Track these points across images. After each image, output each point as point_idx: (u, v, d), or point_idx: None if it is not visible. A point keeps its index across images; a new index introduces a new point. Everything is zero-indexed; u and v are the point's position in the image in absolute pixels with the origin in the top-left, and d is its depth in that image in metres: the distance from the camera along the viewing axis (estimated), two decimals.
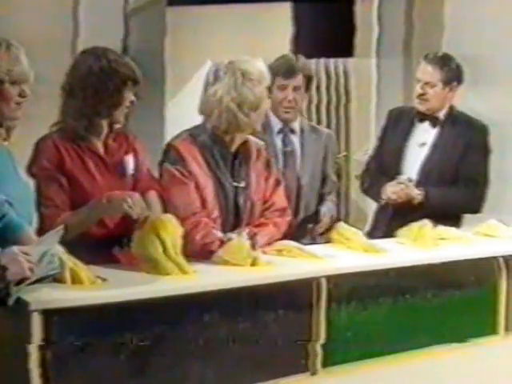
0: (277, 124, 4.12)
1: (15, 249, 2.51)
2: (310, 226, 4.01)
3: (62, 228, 2.66)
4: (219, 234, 3.31)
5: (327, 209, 4.09)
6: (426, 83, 4.31)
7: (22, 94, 2.77)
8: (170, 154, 3.42)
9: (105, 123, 3.27)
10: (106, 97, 3.20)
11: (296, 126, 4.17)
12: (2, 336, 2.54)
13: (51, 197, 3.12)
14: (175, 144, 3.44)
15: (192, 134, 3.47)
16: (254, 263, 3.11)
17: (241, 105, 3.38)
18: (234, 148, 3.49)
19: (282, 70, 4.08)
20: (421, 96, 4.32)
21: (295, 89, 4.09)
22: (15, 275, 2.44)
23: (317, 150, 4.17)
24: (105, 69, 3.20)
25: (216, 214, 3.41)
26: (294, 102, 4.09)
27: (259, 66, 3.45)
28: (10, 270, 2.42)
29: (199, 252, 3.20)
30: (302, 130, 4.17)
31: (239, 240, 3.18)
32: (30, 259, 2.48)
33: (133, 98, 3.25)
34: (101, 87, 3.19)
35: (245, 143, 3.52)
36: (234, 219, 3.46)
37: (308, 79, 4.14)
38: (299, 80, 4.09)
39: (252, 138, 3.56)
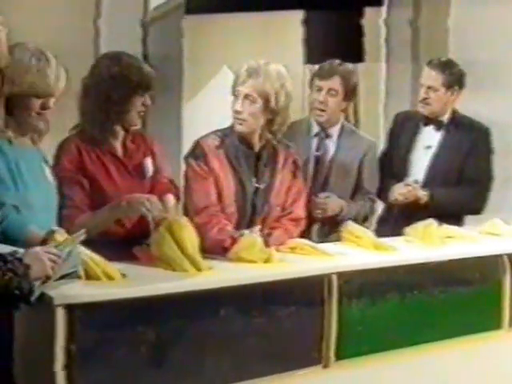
0: (315, 127, 4.03)
1: (38, 248, 2.50)
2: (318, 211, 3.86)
3: (83, 233, 2.62)
4: (233, 230, 3.29)
5: (345, 204, 3.92)
6: (429, 87, 4.29)
7: (44, 107, 2.73)
8: (195, 150, 3.44)
9: (118, 127, 3.24)
10: (116, 103, 3.17)
11: (334, 130, 4.03)
12: (28, 330, 2.54)
13: (72, 197, 3.11)
14: (201, 141, 3.46)
15: (221, 133, 3.48)
16: (267, 260, 3.10)
17: None
18: (257, 148, 3.47)
19: (319, 72, 4.00)
20: (424, 100, 4.31)
21: (330, 91, 3.95)
22: (38, 273, 2.43)
23: (352, 158, 4.01)
24: (116, 76, 3.17)
25: (232, 210, 3.40)
26: (325, 105, 3.95)
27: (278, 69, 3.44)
28: (33, 269, 2.41)
29: (212, 247, 3.17)
30: (339, 136, 4.03)
31: (251, 236, 3.16)
32: (52, 258, 2.47)
33: (146, 101, 3.21)
34: (111, 94, 3.16)
35: (272, 148, 3.50)
36: (249, 219, 3.44)
37: (348, 85, 3.97)
38: (335, 83, 3.94)
39: (282, 148, 3.55)
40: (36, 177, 2.76)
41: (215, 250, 3.18)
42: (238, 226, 3.37)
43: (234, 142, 3.45)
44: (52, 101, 2.73)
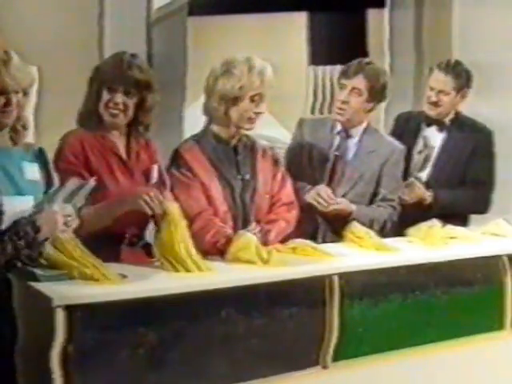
0: (338, 126, 3.90)
1: (56, 207, 2.55)
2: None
3: (93, 181, 2.66)
4: (228, 231, 3.27)
5: (354, 208, 3.77)
6: (440, 91, 4.25)
7: (6, 103, 2.65)
8: (175, 159, 3.41)
9: (112, 124, 3.21)
10: (87, 96, 3.20)
11: (356, 131, 3.88)
12: (27, 331, 2.52)
13: None
14: (179, 149, 3.45)
15: (196, 137, 3.49)
16: (267, 261, 3.05)
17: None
18: (233, 143, 3.47)
19: (345, 70, 3.86)
20: (434, 103, 4.26)
21: (353, 90, 3.79)
22: (47, 234, 2.50)
23: (371, 161, 3.86)
24: (94, 70, 3.20)
25: (225, 208, 3.38)
26: (347, 104, 3.81)
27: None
28: (43, 230, 2.47)
29: (208, 250, 3.14)
30: (361, 137, 3.89)
31: (246, 236, 3.12)
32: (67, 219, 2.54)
33: (115, 99, 3.14)
34: (88, 87, 3.19)
35: (246, 139, 3.51)
36: (242, 214, 3.42)
37: (374, 85, 3.79)
38: (360, 82, 3.77)
39: (258, 141, 3.56)
40: (10, 177, 2.69)
41: (211, 251, 3.16)
42: (234, 224, 3.35)
43: (211, 141, 3.45)
44: (16, 97, 2.65)
